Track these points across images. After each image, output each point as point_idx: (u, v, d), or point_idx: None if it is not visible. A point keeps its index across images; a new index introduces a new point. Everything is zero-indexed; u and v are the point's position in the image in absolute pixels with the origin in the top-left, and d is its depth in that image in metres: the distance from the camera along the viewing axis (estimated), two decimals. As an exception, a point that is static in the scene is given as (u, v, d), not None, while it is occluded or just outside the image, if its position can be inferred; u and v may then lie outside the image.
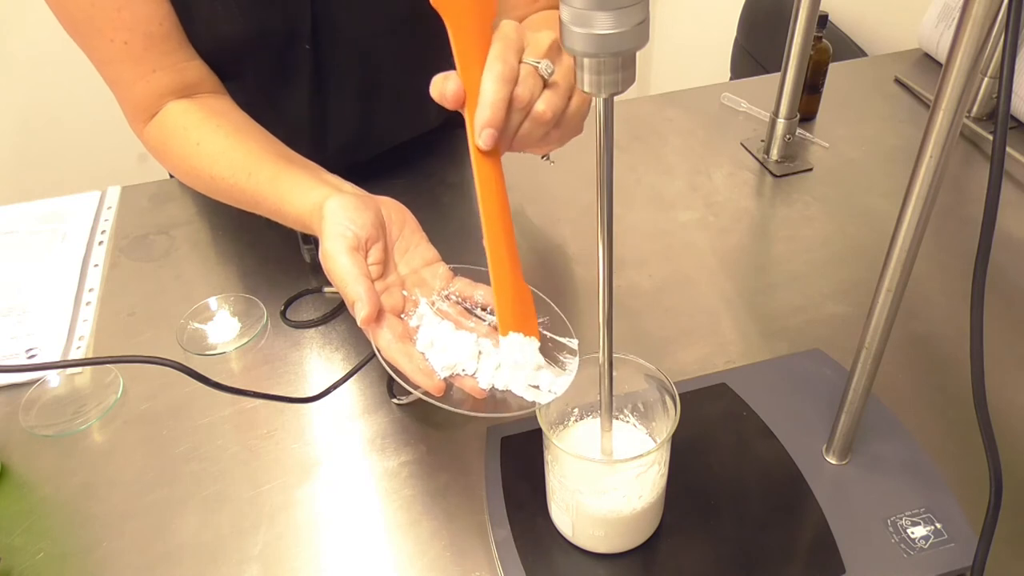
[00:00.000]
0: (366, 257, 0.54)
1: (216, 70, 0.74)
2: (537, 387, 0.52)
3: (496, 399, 0.52)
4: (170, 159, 0.71)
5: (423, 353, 0.52)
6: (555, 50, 0.51)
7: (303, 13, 0.74)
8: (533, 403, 0.51)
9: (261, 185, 0.63)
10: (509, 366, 0.52)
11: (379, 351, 0.53)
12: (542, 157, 0.63)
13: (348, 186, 0.61)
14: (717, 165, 0.97)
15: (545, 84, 0.51)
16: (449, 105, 0.48)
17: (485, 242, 0.51)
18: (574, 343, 0.54)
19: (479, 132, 0.48)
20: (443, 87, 0.48)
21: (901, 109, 1.06)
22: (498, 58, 0.47)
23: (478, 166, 0.49)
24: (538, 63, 0.50)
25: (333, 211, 0.55)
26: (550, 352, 0.54)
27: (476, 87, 0.48)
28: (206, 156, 0.67)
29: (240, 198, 0.66)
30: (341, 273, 0.52)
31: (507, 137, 0.50)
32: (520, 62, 0.49)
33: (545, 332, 0.55)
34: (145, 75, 0.68)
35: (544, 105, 0.50)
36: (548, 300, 0.56)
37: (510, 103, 0.49)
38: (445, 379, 0.51)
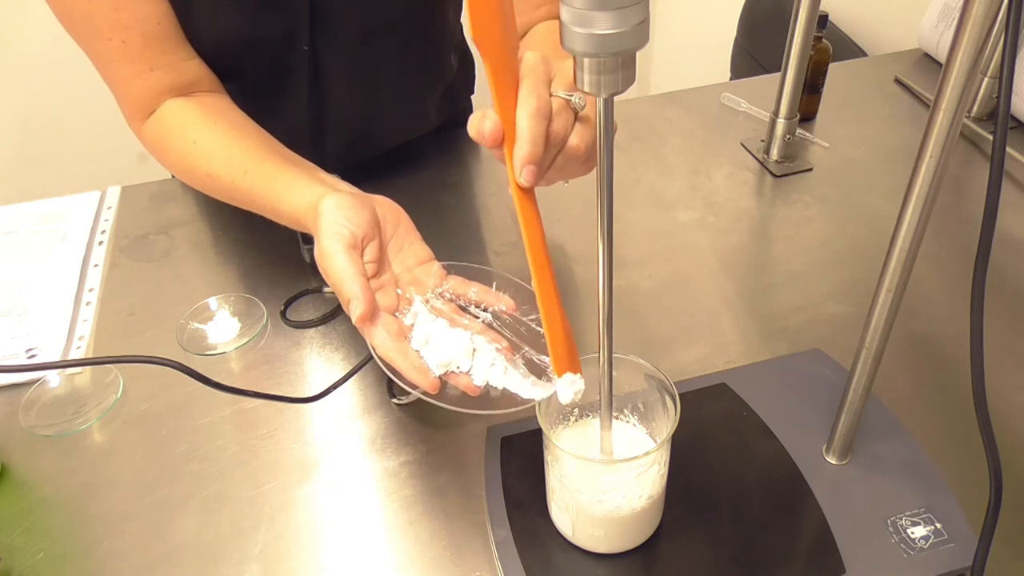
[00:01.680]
0: (362, 255, 0.54)
1: (215, 70, 0.74)
2: (531, 383, 0.52)
3: (492, 396, 0.52)
4: (167, 157, 0.71)
5: (418, 351, 0.52)
6: None
7: (301, 14, 0.74)
8: (529, 399, 0.51)
9: (257, 183, 0.63)
10: (489, 346, 0.52)
11: (374, 349, 0.53)
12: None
13: (344, 185, 0.61)
14: (717, 165, 0.97)
15: (576, 117, 0.50)
16: (487, 144, 0.47)
17: (535, 284, 0.49)
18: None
19: (520, 170, 0.47)
20: (481, 126, 0.46)
21: (901, 109, 1.06)
22: (531, 93, 0.46)
23: (520, 202, 0.48)
24: (570, 97, 0.49)
25: (329, 209, 0.55)
26: (544, 348, 0.54)
27: (511, 124, 0.47)
28: (203, 154, 0.67)
29: (236, 196, 0.66)
30: (337, 271, 0.52)
31: (542, 172, 0.49)
32: (551, 94, 0.48)
33: (538, 328, 0.55)
34: (143, 74, 0.69)
35: (578, 139, 0.50)
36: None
37: (546, 139, 0.48)
38: (440, 377, 0.51)
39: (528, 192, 0.48)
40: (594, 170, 0.41)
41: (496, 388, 0.52)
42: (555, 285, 0.50)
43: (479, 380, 0.52)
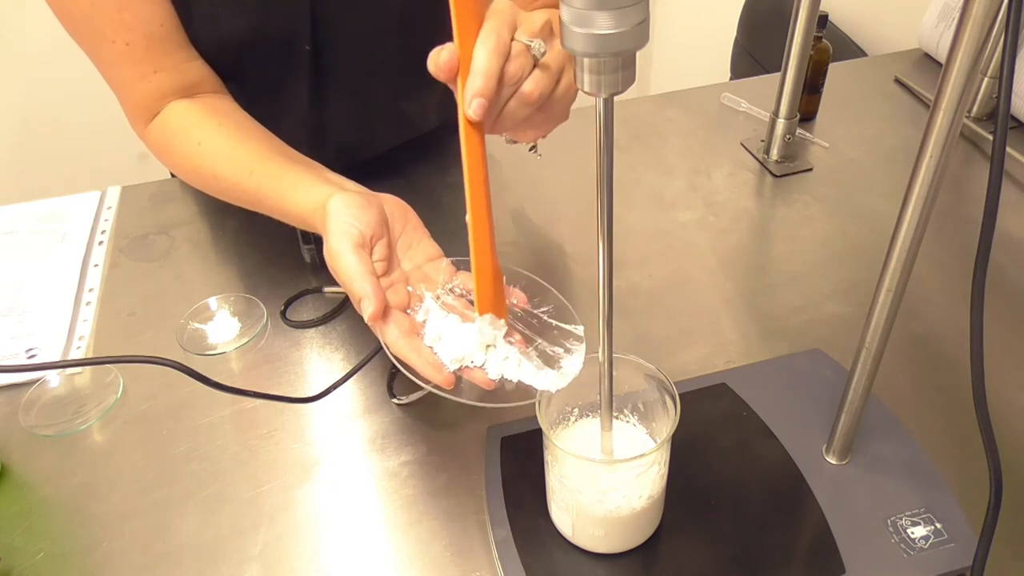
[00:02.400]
0: (371, 254, 0.54)
1: (216, 71, 0.74)
2: (545, 374, 0.52)
3: (506, 390, 0.52)
4: (172, 159, 0.71)
5: (431, 347, 0.52)
6: (548, 31, 0.51)
7: (303, 14, 0.74)
8: (544, 390, 0.51)
9: (263, 183, 0.63)
10: (502, 340, 0.53)
11: (387, 347, 0.53)
12: (529, 149, 0.63)
13: (351, 184, 0.61)
14: (717, 165, 0.97)
15: (536, 64, 0.51)
16: (442, 76, 0.48)
17: (470, 220, 0.51)
18: (580, 329, 0.55)
19: (469, 101, 0.47)
20: (438, 58, 0.47)
21: (901, 109, 1.06)
22: (492, 32, 0.47)
23: (467, 141, 0.49)
24: (531, 42, 0.49)
25: (337, 209, 0.55)
26: (557, 340, 0.54)
27: (468, 60, 0.48)
28: (208, 155, 0.67)
29: (242, 197, 0.66)
30: (347, 270, 0.52)
31: (493, 112, 0.50)
32: (513, 39, 0.49)
33: (550, 320, 0.55)
34: (146, 75, 0.68)
35: (532, 85, 0.50)
36: (552, 288, 0.56)
37: (500, 78, 0.48)
38: (454, 372, 0.51)
39: (477, 128, 0.49)
40: (594, 170, 0.41)
41: (511, 381, 0.52)
42: (489, 227, 0.51)
43: (494, 374, 0.52)
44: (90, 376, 0.74)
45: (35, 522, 0.62)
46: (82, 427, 0.69)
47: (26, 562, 0.59)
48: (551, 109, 0.54)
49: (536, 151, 0.59)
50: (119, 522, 0.62)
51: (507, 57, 0.48)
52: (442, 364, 0.52)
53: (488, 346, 0.53)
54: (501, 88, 0.49)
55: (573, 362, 0.53)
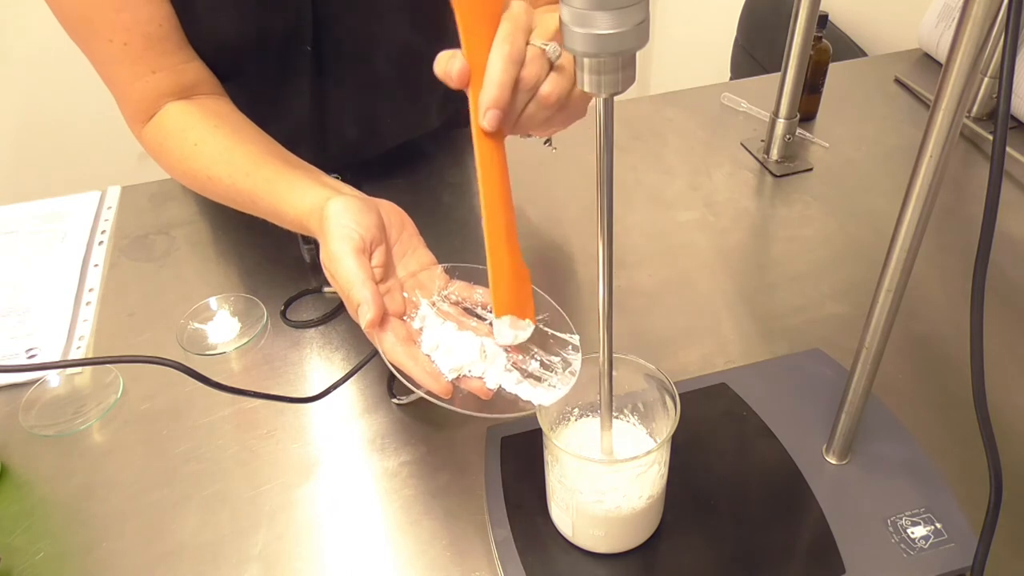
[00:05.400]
0: (370, 260, 0.54)
1: (217, 71, 0.74)
2: (541, 384, 0.52)
3: (499, 398, 0.52)
4: (168, 160, 0.71)
5: (428, 356, 0.52)
6: None
7: (304, 14, 0.74)
8: (540, 403, 0.51)
9: (259, 186, 0.63)
10: (498, 349, 0.52)
11: (384, 355, 0.52)
12: (544, 142, 0.63)
13: (347, 188, 0.61)
14: (717, 165, 0.97)
15: (552, 66, 0.50)
16: (454, 84, 0.47)
17: (484, 223, 0.50)
18: (576, 339, 0.54)
19: (483, 112, 0.47)
20: (448, 65, 0.47)
21: (901, 109, 1.06)
22: (506, 39, 0.47)
23: (480, 147, 0.49)
24: (546, 45, 0.49)
25: (337, 212, 0.55)
26: (552, 349, 0.54)
27: (482, 67, 0.47)
28: (204, 157, 0.67)
29: (237, 199, 0.66)
30: (346, 275, 0.52)
31: (511, 118, 0.50)
32: (528, 43, 0.49)
33: (546, 329, 0.55)
34: (144, 76, 0.68)
35: (550, 87, 0.50)
36: (548, 297, 0.56)
37: (516, 84, 0.48)
38: (451, 381, 0.51)
39: (493, 138, 0.49)
40: (594, 170, 0.41)
41: (509, 393, 0.52)
42: (509, 226, 0.50)
43: (492, 383, 0.52)
44: (90, 376, 0.74)
45: (35, 522, 0.62)
46: (82, 427, 0.69)
47: (26, 562, 0.59)
48: (570, 107, 0.53)
49: (551, 144, 0.58)
50: (119, 522, 0.62)
51: (522, 63, 0.48)
52: (439, 373, 0.51)
53: (485, 353, 0.53)
54: (517, 94, 0.49)
55: (569, 376, 0.52)
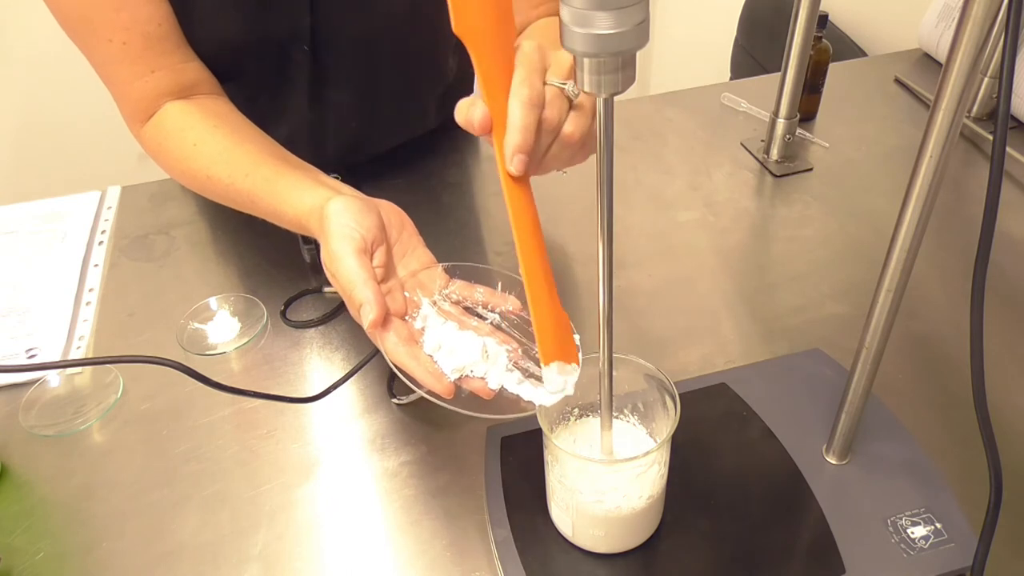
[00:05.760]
0: (371, 259, 0.54)
1: (215, 72, 0.74)
2: (542, 385, 0.52)
3: (501, 398, 0.52)
4: (167, 160, 0.71)
5: (431, 356, 0.52)
6: None
7: (302, 16, 0.74)
8: (542, 404, 0.51)
9: (258, 185, 0.63)
10: (500, 349, 0.52)
11: (386, 355, 0.52)
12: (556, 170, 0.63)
13: (347, 188, 0.61)
14: (717, 165, 0.97)
15: (571, 105, 0.50)
16: (476, 132, 0.47)
17: (522, 270, 0.49)
18: (576, 338, 0.54)
19: (510, 158, 0.46)
20: (469, 114, 0.46)
21: (901, 109, 1.06)
22: (524, 82, 0.46)
23: (509, 192, 0.48)
24: (564, 85, 0.49)
25: (337, 212, 0.55)
26: None
27: (502, 112, 0.46)
28: (203, 157, 0.67)
29: (236, 199, 0.66)
30: (348, 275, 0.52)
31: (536, 161, 0.49)
32: (544, 83, 0.48)
33: None
34: (143, 76, 0.68)
35: (572, 127, 0.50)
36: None
37: (539, 127, 0.47)
38: (453, 381, 0.51)
39: (520, 180, 0.48)
40: (594, 170, 0.41)
41: (512, 393, 0.51)
42: (547, 271, 0.49)
43: (494, 384, 0.52)
44: (90, 376, 0.74)
45: (35, 522, 0.62)
46: (82, 427, 0.69)
47: (26, 562, 0.59)
48: (590, 143, 0.53)
49: (562, 170, 0.58)
50: (119, 522, 0.62)
51: (543, 106, 0.47)
52: (442, 373, 0.51)
53: (487, 354, 0.52)
54: (540, 136, 0.48)
55: (571, 375, 0.52)
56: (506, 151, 0.46)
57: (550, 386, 0.51)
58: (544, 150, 0.50)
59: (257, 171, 0.64)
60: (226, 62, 0.74)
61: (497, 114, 0.46)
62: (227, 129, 0.68)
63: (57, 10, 0.66)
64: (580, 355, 0.53)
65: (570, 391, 0.51)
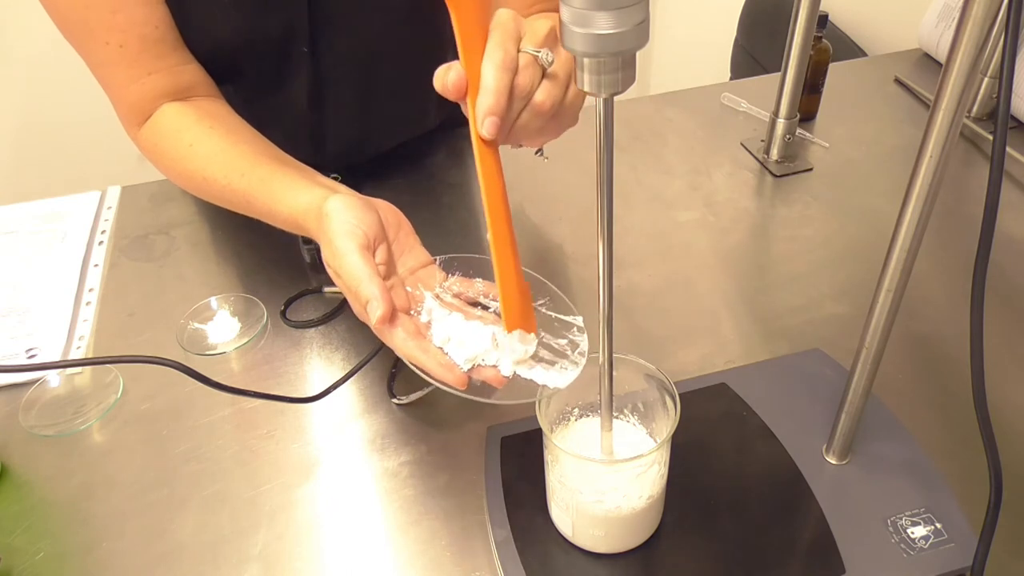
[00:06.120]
0: (374, 257, 0.54)
1: (214, 73, 0.74)
2: (554, 368, 0.52)
3: (514, 385, 0.52)
4: (163, 161, 0.71)
5: (441, 348, 0.52)
6: (552, 39, 0.51)
7: (301, 16, 0.74)
8: (555, 388, 0.51)
9: (253, 186, 0.63)
10: (513, 363, 0.52)
11: (396, 350, 0.52)
12: (536, 152, 0.63)
13: (343, 188, 0.61)
14: (717, 165, 0.97)
15: (544, 74, 0.50)
16: (451, 95, 0.47)
17: (490, 234, 0.50)
18: (579, 320, 0.55)
19: (482, 120, 0.47)
20: (445, 78, 0.47)
21: (901, 109, 1.06)
22: (498, 46, 0.47)
23: (481, 156, 0.48)
24: (537, 52, 0.49)
25: (338, 210, 0.54)
26: (559, 332, 0.54)
27: (476, 75, 0.47)
28: (199, 158, 0.67)
29: (232, 199, 0.66)
30: (353, 272, 0.52)
31: (506, 127, 0.49)
32: (519, 51, 0.48)
33: (549, 313, 0.55)
34: (139, 77, 0.68)
35: (543, 95, 0.50)
36: (547, 281, 0.56)
37: (511, 92, 0.48)
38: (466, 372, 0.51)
39: (490, 145, 0.48)
40: (594, 170, 0.41)
41: (523, 377, 0.52)
42: (512, 242, 0.50)
43: (506, 371, 0.52)
44: (90, 376, 0.74)
45: (35, 522, 0.62)
46: (82, 427, 0.69)
47: (26, 562, 0.59)
48: (562, 116, 0.53)
49: (542, 154, 0.58)
50: (119, 522, 0.62)
51: (516, 71, 0.48)
52: (454, 364, 0.51)
53: (496, 342, 0.53)
54: (512, 102, 0.48)
55: (579, 357, 0.53)
56: (478, 113, 0.47)
57: (512, 355, 0.51)
58: (514, 117, 0.50)
59: (253, 171, 0.64)
60: (225, 63, 0.74)
61: (473, 78, 0.47)
62: (223, 130, 0.68)
63: (54, 12, 0.66)
64: (585, 338, 0.53)
65: (531, 351, 0.52)
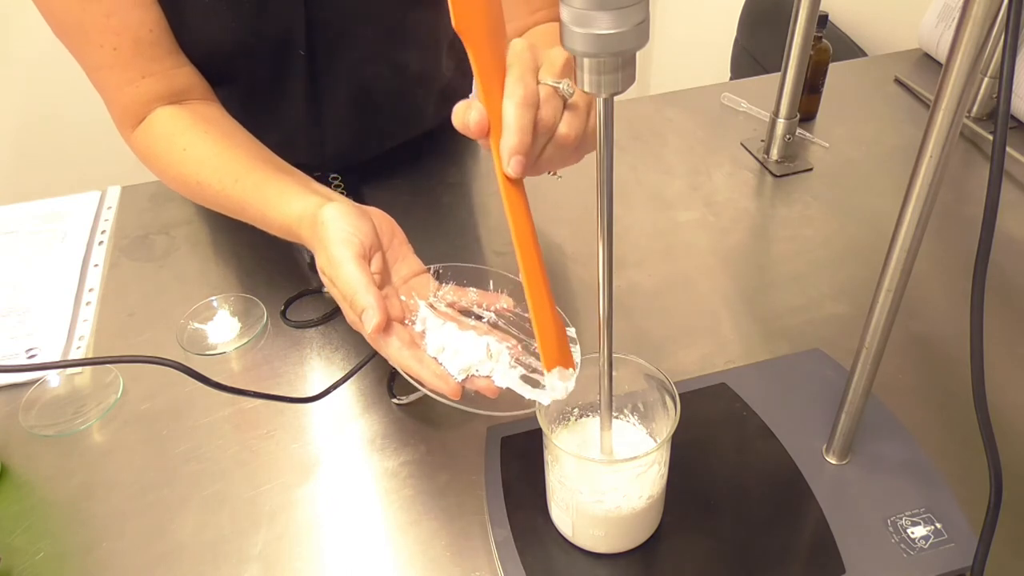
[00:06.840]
0: (369, 265, 0.54)
1: (211, 76, 0.73)
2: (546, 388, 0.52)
3: (507, 396, 0.52)
4: (157, 164, 0.71)
5: (435, 358, 0.52)
6: (570, 68, 0.49)
7: (297, 19, 0.74)
8: (548, 402, 0.51)
9: (247, 191, 0.63)
10: (502, 347, 0.52)
11: (390, 360, 0.52)
12: (550, 173, 0.63)
13: (337, 195, 0.61)
14: (717, 165, 0.97)
15: (564, 104, 0.49)
16: (473, 135, 0.46)
17: (523, 277, 0.49)
18: (571, 331, 0.54)
19: (507, 160, 0.46)
20: (466, 117, 0.45)
21: (901, 109, 1.06)
22: (518, 81, 0.45)
23: (508, 195, 0.47)
24: (558, 84, 0.48)
25: (334, 218, 0.54)
26: None
27: (497, 112, 0.46)
28: (193, 162, 0.67)
29: (226, 204, 0.66)
30: (349, 281, 0.51)
31: (531, 162, 0.48)
32: (538, 82, 0.47)
33: None
34: (134, 81, 0.68)
35: (566, 128, 0.49)
36: None
37: (534, 128, 0.47)
38: (460, 382, 0.51)
39: (516, 182, 0.47)
40: (594, 170, 0.41)
41: (515, 391, 0.51)
42: (545, 277, 0.49)
43: (500, 382, 0.52)
44: (90, 376, 0.74)
45: (35, 522, 0.62)
46: (82, 427, 0.69)
47: (26, 562, 0.59)
48: (583, 144, 0.52)
49: (556, 174, 0.58)
50: (119, 522, 0.62)
51: (538, 105, 0.46)
52: (448, 374, 0.51)
53: (490, 352, 0.53)
54: (536, 138, 0.47)
55: (570, 381, 0.52)
56: (503, 153, 0.46)
57: (553, 392, 0.51)
58: (539, 151, 0.49)
59: (247, 177, 0.63)
60: (221, 65, 0.74)
61: (494, 115, 0.46)
62: (217, 134, 0.68)
63: (48, 15, 0.66)
64: (578, 349, 0.53)
65: (571, 387, 0.51)
